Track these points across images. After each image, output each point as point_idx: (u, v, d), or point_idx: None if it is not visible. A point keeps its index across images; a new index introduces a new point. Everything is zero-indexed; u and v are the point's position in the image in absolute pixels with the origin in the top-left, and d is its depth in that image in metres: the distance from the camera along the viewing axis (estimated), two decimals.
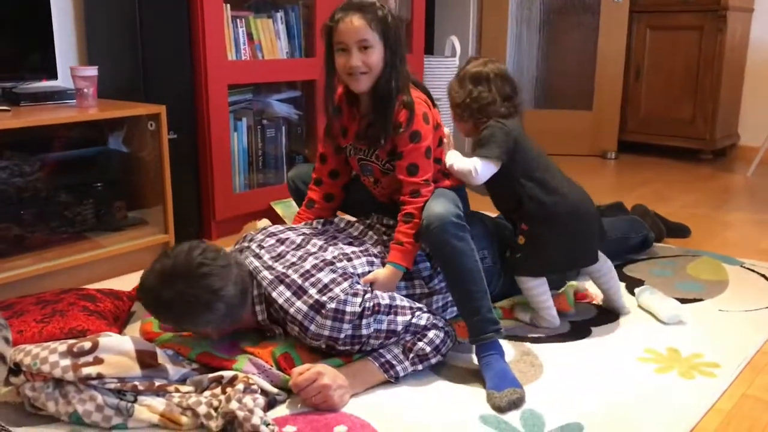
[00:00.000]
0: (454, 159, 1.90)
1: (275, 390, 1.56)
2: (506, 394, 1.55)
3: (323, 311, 1.60)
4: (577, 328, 1.97)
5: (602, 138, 4.51)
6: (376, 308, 1.63)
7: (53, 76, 2.45)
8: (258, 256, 1.74)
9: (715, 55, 4.14)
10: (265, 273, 1.68)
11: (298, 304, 1.62)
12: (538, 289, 1.95)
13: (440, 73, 3.74)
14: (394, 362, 1.63)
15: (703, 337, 1.92)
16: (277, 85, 3.03)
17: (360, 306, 1.61)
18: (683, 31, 4.24)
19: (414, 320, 1.66)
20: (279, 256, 1.74)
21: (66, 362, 1.47)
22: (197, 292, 1.55)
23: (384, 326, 1.63)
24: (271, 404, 1.54)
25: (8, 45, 2.36)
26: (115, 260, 2.36)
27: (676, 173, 4.08)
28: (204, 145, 2.68)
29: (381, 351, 1.64)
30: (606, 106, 4.47)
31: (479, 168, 1.84)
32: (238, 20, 2.76)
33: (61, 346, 1.50)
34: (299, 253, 1.74)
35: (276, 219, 2.83)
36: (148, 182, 2.48)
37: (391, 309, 1.65)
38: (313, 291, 1.62)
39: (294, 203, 2.93)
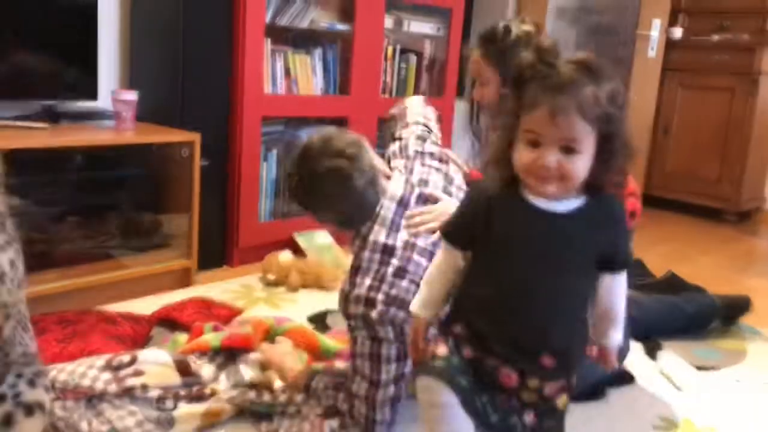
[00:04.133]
0: None
1: None
2: None
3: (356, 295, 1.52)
4: (593, 390, 1.95)
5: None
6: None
7: (94, 97, 2.51)
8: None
9: (746, 118, 4.15)
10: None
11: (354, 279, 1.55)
12: None
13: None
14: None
15: (718, 409, 1.90)
16: (309, 119, 3.08)
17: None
18: (715, 92, 4.26)
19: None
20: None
21: (107, 376, 1.51)
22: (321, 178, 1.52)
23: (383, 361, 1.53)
24: None
25: (53, 64, 2.42)
26: (137, 282, 2.38)
27: (698, 232, 4.06)
28: (234, 174, 2.72)
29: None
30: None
31: None
32: (277, 54, 2.82)
33: (99, 361, 1.55)
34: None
35: (298, 251, 2.85)
36: (177, 207, 2.52)
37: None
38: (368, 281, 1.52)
39: (317, 236, 2.96)
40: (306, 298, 2.49)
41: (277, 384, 1.68)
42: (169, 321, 2.12)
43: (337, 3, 3.02)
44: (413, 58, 3.43)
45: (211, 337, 1.79)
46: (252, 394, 1.61)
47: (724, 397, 1.97)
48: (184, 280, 2.51)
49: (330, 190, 1.53)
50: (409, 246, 1.53)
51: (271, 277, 2.57)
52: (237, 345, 1.77)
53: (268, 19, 2.71)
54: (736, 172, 4.21)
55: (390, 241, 1.53)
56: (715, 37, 4.29)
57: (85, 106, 2.52)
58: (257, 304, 2.39)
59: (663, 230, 4.03)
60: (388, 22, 3.21)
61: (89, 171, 2.43)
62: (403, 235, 1.54)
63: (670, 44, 4.37)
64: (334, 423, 1.58)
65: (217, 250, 2.76)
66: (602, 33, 4.69)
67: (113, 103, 2.39)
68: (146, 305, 2.24)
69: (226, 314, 2.18)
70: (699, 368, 2.11)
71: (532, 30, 1.71)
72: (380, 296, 1.48)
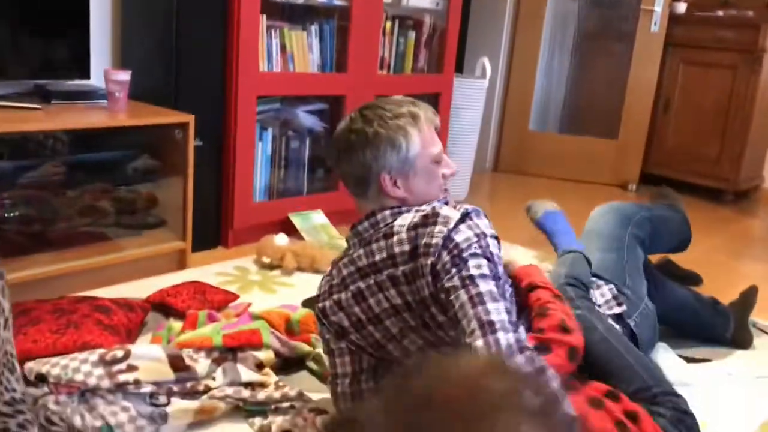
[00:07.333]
0: None
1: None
2: None
3: None
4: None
5: (625, 168, 4.49)
6: None
7: (86, 76, 2.46)
8: None
9: (747, 96, 4.10)
10: None
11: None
12: None
13: (469, 93, 3.72)
14: None
15: (708, 403, 1.91)
16: (305, 96, 3.04)
17: None
18: (717, 69, 4.21)
19: None
20: None
21: (100, 371, 1.51)
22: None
23: None
24: None
25: (45, 43, 2.37)
26: (132, 264, 2.37)
27: (697, 213, 4.04)
28: (228, 154, 2.69)
29: None
30: (632, 136, 4.44)
31: None
32: (272, 31, 2.77)
33: (92, 356, 1.55)
34: None
35: (293, 231, 2.84)
36: (171, 188, 2.50)
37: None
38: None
39: (312, 216, 2.95)
40: (301, 281, 2.48)
41: (273, 379, 1.68)
42: (163, 306, 2.12)
43: None
44: (412, 33, 3.37)
45: (213, 334, 1.76)
46: (246, 393, 1.61)
47: (715, 391, 1.98)
48: (179, 262, 2.50)
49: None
50: None
51: (266, 260, 2.56)
52: (242, 344, 1.75)
53: None
54: (736, 151, 4.18)
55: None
56: (720, 13, 4.22)
57: (77, 85, 2.47)
58: (252, 288, 2.39)
59: None
60: None
61: (83, 151, 2.41)
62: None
63: (673, 19, 4.30)
64: (327, 418, 1.59)
65: (212, 231, 2.74)
66: (605, 6, 4.62)
67: (106, 82, 2.35)
68: (141, 288, 2.24)
69: (220, 300, 2.18)
70: (689, 360, 2.12)
71: None
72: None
